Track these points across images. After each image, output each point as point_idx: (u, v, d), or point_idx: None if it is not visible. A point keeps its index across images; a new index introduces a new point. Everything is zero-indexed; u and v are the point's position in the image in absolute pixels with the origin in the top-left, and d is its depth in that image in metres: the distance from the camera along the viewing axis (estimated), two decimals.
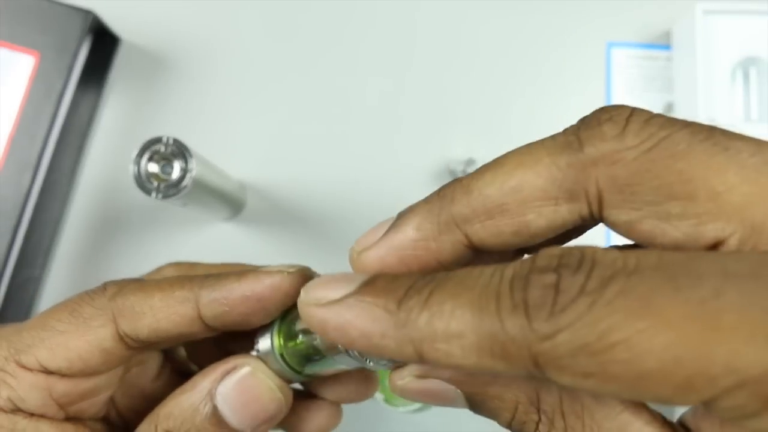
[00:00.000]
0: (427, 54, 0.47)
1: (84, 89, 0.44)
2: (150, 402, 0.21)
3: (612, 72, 0.47)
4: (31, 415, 0.20)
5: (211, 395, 0.19)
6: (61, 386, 0.20)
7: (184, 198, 0.32)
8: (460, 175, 0.43)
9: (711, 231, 0.13)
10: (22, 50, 0.41)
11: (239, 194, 0.43)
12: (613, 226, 0.15)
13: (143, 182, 0.31)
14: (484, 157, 0.44)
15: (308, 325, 0.15)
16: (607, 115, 0.14)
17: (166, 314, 0.20)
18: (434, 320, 0.13)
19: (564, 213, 0.15)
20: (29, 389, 0.20)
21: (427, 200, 0.17)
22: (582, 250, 0.12)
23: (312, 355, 0.19)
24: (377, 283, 0.15)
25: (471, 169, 0.42)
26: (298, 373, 0.20)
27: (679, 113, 0.45)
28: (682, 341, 0.11)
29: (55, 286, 0.43)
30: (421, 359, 0.13)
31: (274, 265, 0.20)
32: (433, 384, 0.16)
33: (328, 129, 0.46)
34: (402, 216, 0.18)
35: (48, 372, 0.20)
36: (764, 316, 0.11)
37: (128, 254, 0.44)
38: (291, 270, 0.20)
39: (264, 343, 0.20)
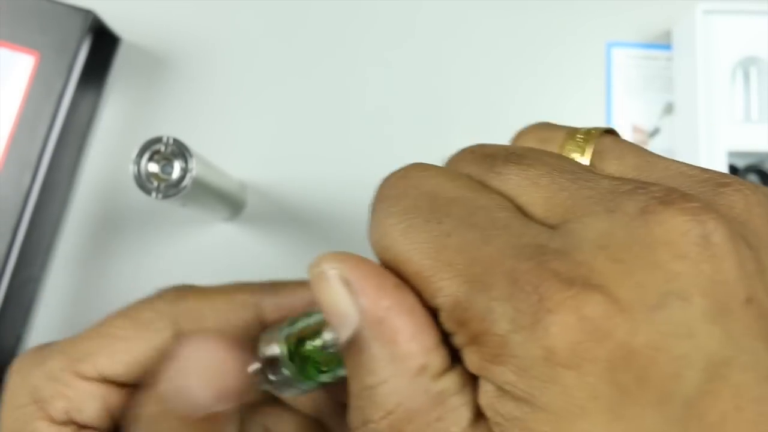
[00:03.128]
0: (427, 54, 0.47)
1: (84, 89, 0.44)
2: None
3: (612, 72, 0.47)
4: (83, 427, 0.20)
5: None
6: (118, 397, 0.20)
7: (184, 198, 0.32)
8: None
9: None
10: (21, 50, 0.41)
11: (239, 194, 0.43)
12: None
13: (143, 182, 0.31)
14: None
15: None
16: None
17: (228, 318, 0.20)
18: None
19: None
20: (86, 399, 0.20)
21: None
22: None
23: (322, 361, 0.18)
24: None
25: None
26: (311, 379, 0.19)
27: (680, 113, 0.45)
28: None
29: (55, 286, 0.43)
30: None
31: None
32: (344, 298, 0.14)
33: (329, 129, 0.46)
34: None
35: (107, 381, 0.20)
36: (457, 256, 0.13)
37: (128, 254, 0.44)
38: None
39: (272, 348, 0.19)
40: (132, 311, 0.21)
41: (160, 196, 0.31)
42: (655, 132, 0.46)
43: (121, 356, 0.20)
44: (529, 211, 0.14)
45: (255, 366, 0.19)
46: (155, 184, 0.31)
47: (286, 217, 0.44)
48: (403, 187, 0.16)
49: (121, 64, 0.46)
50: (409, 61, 0.47)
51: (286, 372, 0.18)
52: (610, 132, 0.18)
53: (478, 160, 0.16)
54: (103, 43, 0.45)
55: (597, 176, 0.14)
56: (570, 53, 0.47)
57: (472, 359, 0.13)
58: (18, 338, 0.42)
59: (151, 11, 0.47)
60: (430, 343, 0.14)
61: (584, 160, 0.16)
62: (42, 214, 0.43)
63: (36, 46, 0.41)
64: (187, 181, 0.31)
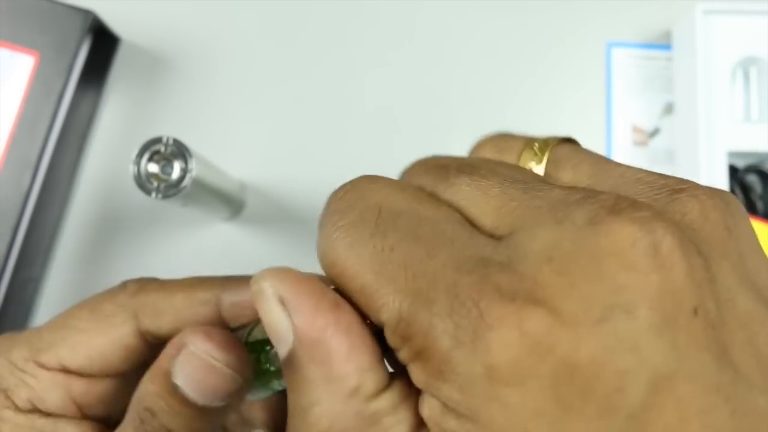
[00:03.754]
0: (427, 54, 0.47)
1: (84, 89, 0.44)
2: None
3: (612, 72, 0.47)
4: (50, 414, 0.20)
5: (169, 374, 0.18)
6: (80, 386, 0.20)
7: (184, 198, 0.32)
8: None
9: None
10: (21, 50, 0.41)
11: (239, 194, 0.43)
12: None
13: (143, 182, 0.31)
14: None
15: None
16: None
17: (187, 314, 0.20)
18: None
19: None
20: (48, 389, 0.20)
21: None
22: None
23: (276, 370, 0.18)
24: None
25: None
26: (266, 386, 0.19)
27: (680, 113, 0.45)
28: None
29: (55, 286, 0.43)
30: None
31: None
32: (280, 316, 0.15)
33: (329, 129, 0.46)
34: None
35: (68, 371, 0.20)
36: (400, 271, 0.13)
37: (128, 254, 0.44)
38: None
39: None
40: (95, 303, 0.21)
41: (159, 196, 0.31)
42: (655, 132, 0.46)
43: (82, 348, 0.20)
44: (478, 222, 0.14)
45: None
46: (155, 184, 0.31)
47: (285, 217, 0.44)
48: (351, 200, 0.15)
49: (121, 65, 0.46)
50: (409, 62, 0.47)
51: None
52: (569, 141, 0.17)
53: (431, 171, 0.15)
54: (103, 44, 0.45)
55: (549, 186, 0.14)
56: (570, 53, 0.47)
57: (417, 375, 0.13)
58: None
59: (151, 11, 0.47)
60: (365, 363, 0.14)
61: (540, 169, 0.16)
62: (42, 214, 0.43)
63: (36, 47, 0.41)
64: (186, 182, 0.31)
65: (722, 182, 0.42)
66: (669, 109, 0.46)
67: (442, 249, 0.13)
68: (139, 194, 0.31)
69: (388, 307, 0.13)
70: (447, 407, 0.12)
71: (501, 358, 0.11)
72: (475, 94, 0.46)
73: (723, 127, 0.43)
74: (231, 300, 0.20)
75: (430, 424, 0.13)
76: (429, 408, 0.13)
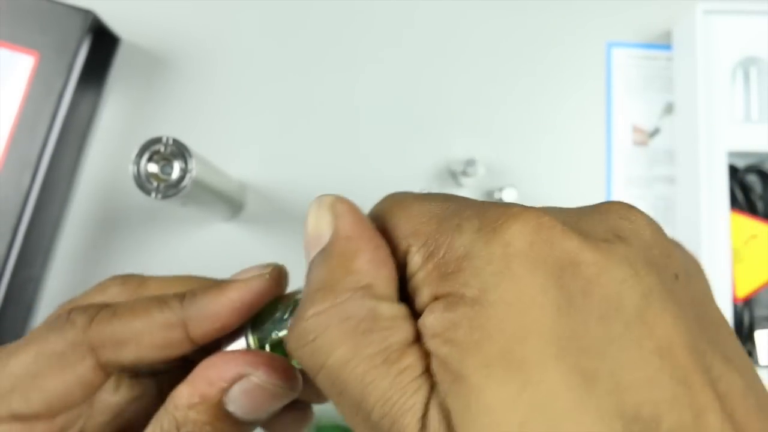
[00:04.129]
0: (427, 54, 0.47)
1: (84, 89, 0.44)
2: (115, 411, 0.20)
3: (612, 72, 0.47)
4: None
5: (221, 400, 0.18)
6: (40, 427, 0.19)
7: (183, 198, 0.32)
8: (460, 175, 0.43)
9: None
10: (21, 50, 0.41)
11: (239, 194, 0.43)
12: None
13: (143, 182, 0.31)
14: (485, 157, 0.44)
15: None
16: None
17: (151, 340, 0.19)
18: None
19: None
20: None
21: None
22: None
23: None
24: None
25: (471, 169, 0.42)
26: None
27: (680, 113, 0.45)
28: None
29: (55, 285, 0.43)
30: None
31: (246, 269, 0.20)
32: (326, 219, 0.18)
33: (328, 129, 0.46)
34: None
35: (24, 418, 0.19)
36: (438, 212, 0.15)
37: (128, 254, 0.44)
38: (266, 271, 0.20)
39: (239, 345, 0.20)
40: (41, 343, 0.19)
41: (159, 196, 0.31)
42: (655, 132, 0.46)
43: (36, 395, 0.18)
44: None
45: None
46: (155, 184, 0.31)
47: (285, 217, 0.44)
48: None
49: (120, 64, 0.46)
50: (408, 62, 0.47)
51: None
52: None
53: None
54: (102, 43, 0.45)
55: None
56: (570, 53, 0.47)
57: (431, 284, 0.14)
58: (18, 338, 0.42)
59: (151, 11, 0.47)
60: (382, 273, 0.15)
61: None
62: (42, 214, 0.43)
63: (36, 47, 0.41)
64: (186, 182, 0.31)
65: (722, 182, 0.42)
66: (669, 109, 0.46)
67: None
68: (139, 194, 0.31)
69: (423, 226, 0.15)
70: (452, 302, 0.13)
71: (517, 238, 0.13)
72: (475, 93, 0.46)
73: (723, 127, 0.43)
74: (195, 315, 0.19)
75: (429, 331, 0.14)
76: (432, 312, 0.14)
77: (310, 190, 0.45)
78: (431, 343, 0.13)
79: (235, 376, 0.18)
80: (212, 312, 0.19)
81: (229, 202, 0.41)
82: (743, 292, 0.42)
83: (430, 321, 0.14)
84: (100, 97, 0.45)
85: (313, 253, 0.16)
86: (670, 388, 0.12)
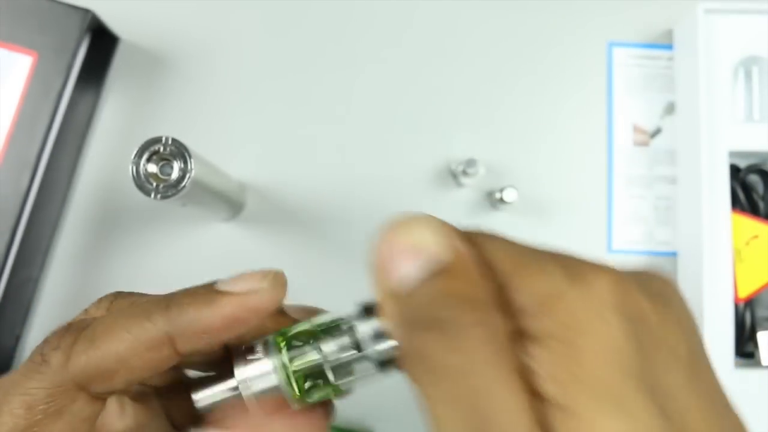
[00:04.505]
0: (428, 53, 0.46)
1: (83, 88, 0.44)
2: None
3: (613, 71, 0.46)
4: None
5: None
6: None
7: (183, 198, 0.32)
8: (460, 175, 0.43)
9: None
10: (20, 50, 0.41)
11: (239, 195, 0.42)
12: None
13: (142, 182, 0.31)
14: (485, 157, 0.44)
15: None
16: None
17: (139, 363, 0.17)
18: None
19: None
20: None
21: None
22: None
23: (317, 373, 0.18)
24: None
25: (471, 170, 0.42)
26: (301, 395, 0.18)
27: (681, 113, 0.45)
28: None
29: (54, 286, 0.43)
30: None
31: (240, 277, 0.18)
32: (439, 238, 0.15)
33: (328, 129, 0.45)
34: None
35: None
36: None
37: (127, 254, 0.44)
38: (265, 284, 0.18)
39: (260, 367, 0.18)
40: (23, 395, 0.17)
41: (159, 196, 0.31)
42: (656, 132, 0.46)
43: None
44: None
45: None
46: (154, 184, 0.31)
47: (285, 217, 0.44)
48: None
49: (120, 64, 0.46)
50: (408, 61, 0.46)
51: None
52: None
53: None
54: (102, 43, 0.45)
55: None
56: (571, 52, 0.47)
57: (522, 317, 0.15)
58: (17, 338, 0.41)
59: (150, 10, 0.46)
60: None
61: None
62: (41, 214, 0.42)
63: (34, 46, 0.41)
64: (186, 182, 0.31)
65: (724, 182, 0.42)
66: (670, 108, 0.46)
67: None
68: (138, 194, 0.31)
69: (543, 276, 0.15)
70: (547, 340, 0.14)
71: (606, 289, 0.14)
72: (475, 93, 0.46)
73: (724, 126, 0.43)
74: (182, 330, 0.17)
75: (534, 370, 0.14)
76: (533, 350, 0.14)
77: (310, 190, 0.45)
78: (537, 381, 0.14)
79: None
80: (202, 327, 0.17)
81: (229, 203, 0.41)
82: (745, 292, 0.41)
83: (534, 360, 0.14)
84: (99, 96, 0.45)
85: (427, 271, 0.15)
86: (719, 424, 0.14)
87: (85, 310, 0.20)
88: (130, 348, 0.17)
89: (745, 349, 0.42)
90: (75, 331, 0.18)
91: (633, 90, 0.46)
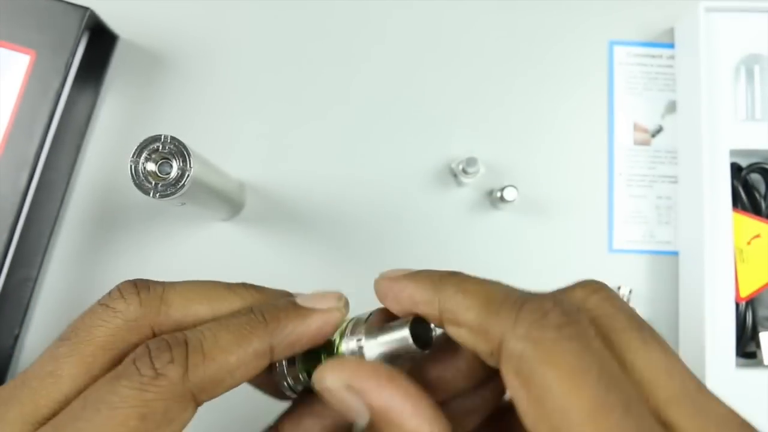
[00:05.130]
0: (428, 52, 0.46)
1: (81, 87, 0.44)
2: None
3: (614, 70, 0.46)
4: None
5: None
6: None
7: (182, 197, 0.32)
8: (461, 174, 0.42)
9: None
10: (17, 49, 0.40)
11: (238, 194, 0.42)
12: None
13: (141, 181, 0.31)
14: (485, 156, 0.44)
15: (378, 292, 0.21)
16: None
17: (244, 373, 0.19)
18: (458, 296, 0.19)
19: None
20: None
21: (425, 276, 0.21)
22: (579, 307, 0.18)
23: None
24: (422, 272, 0.20)
25: (472, 169, 0.42)
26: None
27: (682, 112, 0.45)
28: None
29: (52, 286, 0.43)
30: (438, 319, 0.19)
31: (320, 296, 0.21)
32: (353, 400, 0.18)
33: (329, 128, 0.45)
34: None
35: None
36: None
37: (126, 254, 0.43)
38: (341, 304, 0.21)
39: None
40: (140, 407, 0.18)
41: (158, 195, 0.31)
42: (657, 131, 0.46)
43: None
44: None
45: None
46: (153, 183, 0.31)
47: (285, 216, 0.44)
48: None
49: (118, 62, 0.46)
50: (409, 60, 0.46)
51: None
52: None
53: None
54: (100, 41, 0.45)
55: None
56: (572, 51, 0.47)
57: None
58: (15, 338, 0.41)
59: (149, 8, 0.46)
60: (429, 414, 0.18)
61: None
62: (39, 213, 0.42)
63: (32, 45, 0.40)
64: (185, 181, 0.31)
65: (725, 181, 0.42)
66: (671, 107, 0.46)
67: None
68: (137, 193, 0.31)
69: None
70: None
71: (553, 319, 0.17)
72: (476, 92, 0.46)
73: (726, 125, 0.43)
74: (279, 342, 0.20)
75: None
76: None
77: (310, 190, 0.44)
78: None
79: None
80: (295, 339, 0.20)
81: (229, 202, 0.41)
82: (746, 291, 0.41)
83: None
84: (97, 95, 0.45)
85: (362, 423, 0.18)
86: None
87: (106, 305, 0.20)
88: (239, 360, 0.19)
89: (746, 349, 0.42)
90: (180, 345, 0.19)
91: (634, 89, 0.46)
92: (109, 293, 0.20)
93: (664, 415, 0.16)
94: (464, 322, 0.18)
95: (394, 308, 0.21)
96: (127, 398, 0.18)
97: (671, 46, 0.46)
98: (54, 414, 0.19)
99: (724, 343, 0.40)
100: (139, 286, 0.20)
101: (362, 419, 0.18)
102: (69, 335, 0.20)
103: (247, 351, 0.19)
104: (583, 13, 0.47)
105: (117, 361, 0.19)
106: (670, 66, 0.46)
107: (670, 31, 0.47)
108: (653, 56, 0.47)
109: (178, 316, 0.20)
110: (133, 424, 0.17)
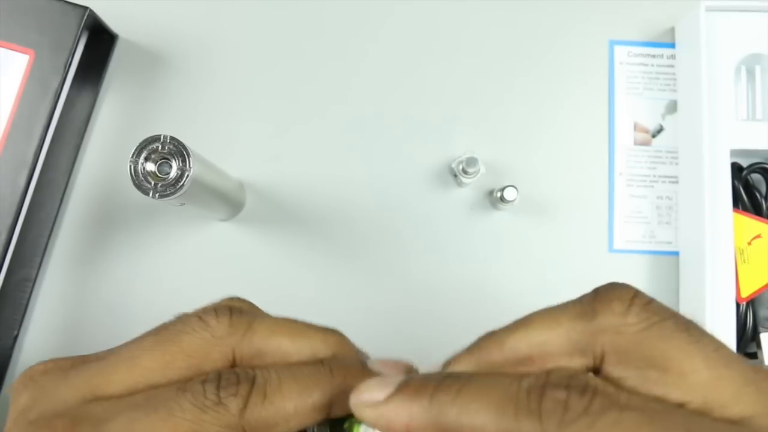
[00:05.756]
0: (428, 52, 0.46)
1: (80, 87, 0.44)
2: None
3: (615, 70, 0.46)
4: None
5: None
6: None
7: (182, 197, 0.32)
8: (461, 174, 0.42)
9: (676, 396, 0.17)
10: (16, 48, 0.40)
11: (238, 194, 0.42)
12: (608, 377, 0.19)
13: (140, 181, 0.31)
14: (485, 156, 0.44)
15: (363, 420, 0.19)
16: (616, 293, 0.19)
17: (298, 421, 0.20)
18: (462, 415, 0.17)
19: (575, 365, 0.19)
20: None
21: (467, 351, 0.21)
22: (586, 376, 0.17)
23: None
24: (411, 384, 0.18)
25: (472, 169, 0.42)
26: None
27: (683, 112, 0.45)
28: None
29: (51, 286, 0.43)
30: None
31: (391, 363, 0.21)
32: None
33: (329, 128, 0.45)
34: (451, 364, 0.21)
35: None
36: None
37: (125, 254, 0.43)
38: (403, 372, 0.21)
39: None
40: (193, 427, 0.19)
41: (157, 195, 0.31)
42: (658, 130, 0.46)
43: None
44: None
45: None
46: (152, 183, 0.31)
47: (285, 217, 0.44)
48: None
49: (118, 62, 0.45)
50: (410, 60, 0.46)
51: None
52: None
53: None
54: (99, 41, 0.45)
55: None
56: (572, 51, 0.46)
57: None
58: (14, 339, 0.41)
59: (148, 8, 0.46)
60: None
61: None
62: (38, 213, 0.42)
63: (31, 45, 0.40)
64: (185, 181, 0.31)
65: (726, 181, 0.42)
66: (672, 107, 0.46)
67: None
68: (137, 193, 0.31)
69: None
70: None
71: None
72: (476, 91, 0.46)
73: (727, 125, 0.42)
74: (344, 403, 0.20)
75: None
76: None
77: (310, 189, 0.44)
78: None
79: None
80: (353, 397, 0.20)
81: (229, 202, 0.41)
82: (747, 292, 0.41)
83: None
84: (96, 95, 0.45)
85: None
86: None
87: (199, 317, 0.21)
88: (296, 409, 0.20)
89: (747, 350, 0.42)
90: (248, 381, 0.19)
91: (634, 88, 0.46)
92: (204, 308, 0.21)
93: (732, 409, 0.16)
94: None
95: None
96: (186, 411, 0.18)
97: (672, 45, 0.46)
98: (116, 395, 0.19)
99: (725, 343, 0.40)
100: (233, 309, 0.21)
101: None
102: (158, 331, 0.21)
103: (306, 401, 0.20)
104: (584, 12, 0.47)
105: (193, 371, 0.20)
106: (671, 66, 0.46)
107: (671, 31, 0.47)
108: (654, 56, 0.46)
109: (260, 345, 0.21)
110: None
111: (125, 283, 0.43)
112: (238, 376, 0.20)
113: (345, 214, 0.44)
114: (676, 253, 0.44)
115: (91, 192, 0.44)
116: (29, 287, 0.42)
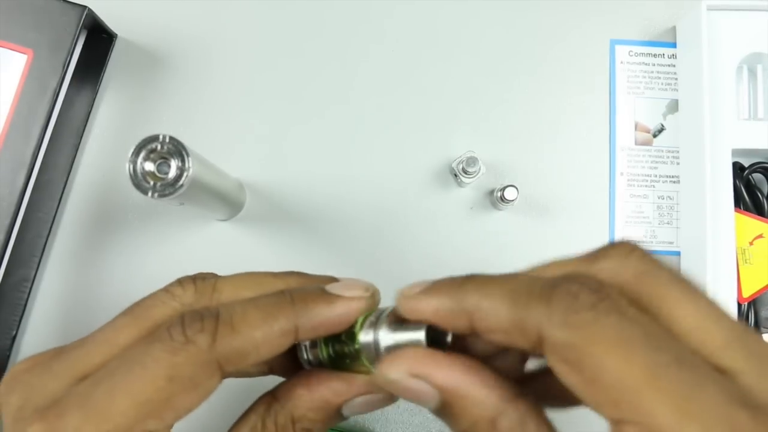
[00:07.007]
0: (429, 51, 0.46)
1: (79, 86, 0.43)
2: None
3: (616, 69, 0.46)
4: None
5: (338, 407, 0.22)
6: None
7: (181, 197, 0.31)
8: (461, 173, 0.42)
9: None
10: (14, 48, 0.40)
11: (238, 194, 0.42)
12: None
13: (139, 181, 0.31)
14: (486, 156, 0.44)
15: (402, 310, 0.20)
16: (618, 244, 0.19)
17: (269, 349, 0.20)
18: (481, 300, 0.18)
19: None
20: None
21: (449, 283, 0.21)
22: (602, 281, 0.18)
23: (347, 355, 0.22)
24: (442, 281, 0.20)
25: (472, 169, 0.41)
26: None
27: (684, 111, 0.45)
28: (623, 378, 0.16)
29: (50, 287, 0.43)
30: (470, 327, 0.19)
31: (349, 284, 0.22)
32: (420, 385, 0.19)
33: (329, 127, 0.45)
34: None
35: None
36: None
37: (124, 254, 0.43)
38: (368, 294, 0.22)
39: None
40: (168, 367, 0.19)
41: (156, 195, 0.30)
42: (659, 130, 0.46)
43: (170, 414, 0.19)
44: None
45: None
46: (151, 183, 0.31)
47: (284, 216, 0.44)
48: None
49: (116, 62, 0.45)
50: (410, 60, 0.46)
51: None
52: None
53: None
54: (98, 40, 0.44)
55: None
56: (573, 50, 0.46)
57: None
58: (13, 339, 0.41)
59: (147, 7, 0.46)
60: (493, 381, 0.19)
61: None
62: (36, 213, 0.42)
63: (29, 44, 0.40)
64: (183, 180, 0.31)
65: (727, 181, 0.41)
66: (673, 106, 0.46)
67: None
68: (136, 193, 0.31)
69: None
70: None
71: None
72: (477, 91, 0.46)
73: (728, 124, 0.42)
74: (305, 323, 0.21)
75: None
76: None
77: (310, 190, 0.44)
78: None
79: (363, 392, 0.22)
80: (320, 322, 0.21)
81: (228, 202, 0.40)
82: (748, 292, 0.41)
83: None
84: (95, 94, 0.45)
85: (433, 406, 0.20)
86: None
87: (166, 290, 0.22)
88: (265, 336, 0.20)
89: None
90: (212, 316, 0.20)
91: (635, 88, 0.46)
92: (170, 283, 0.23)
93: (719, 360, 0.16)
94: (496, 326, 0.18)
95: (424, 323, 0.21)
96: (158, 360, 0.19)
97: (673, 45, 0.46)
98: None
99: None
100: (196, 277, 0.23)
101: (433, 401, 0.19)
102: (131, 310, 0.22)
103: (272, 328, 0.20)
104: (585, 11, 0.47)
105: None
106: (672, 65, 0.46)
107: (672, 30, 0.46)
108: (655, 55, 0.46)
109: (228, 301, 0.22)
110: (161, 384, 0.19)
111: (124, 284, 0.43)
112: (201, 314, 0.20)
113: (345, 214, 0.44)
114: (678, 253, 0.44)
115: (90, 192, 0.44)
116: (27, 287, 0.42)
